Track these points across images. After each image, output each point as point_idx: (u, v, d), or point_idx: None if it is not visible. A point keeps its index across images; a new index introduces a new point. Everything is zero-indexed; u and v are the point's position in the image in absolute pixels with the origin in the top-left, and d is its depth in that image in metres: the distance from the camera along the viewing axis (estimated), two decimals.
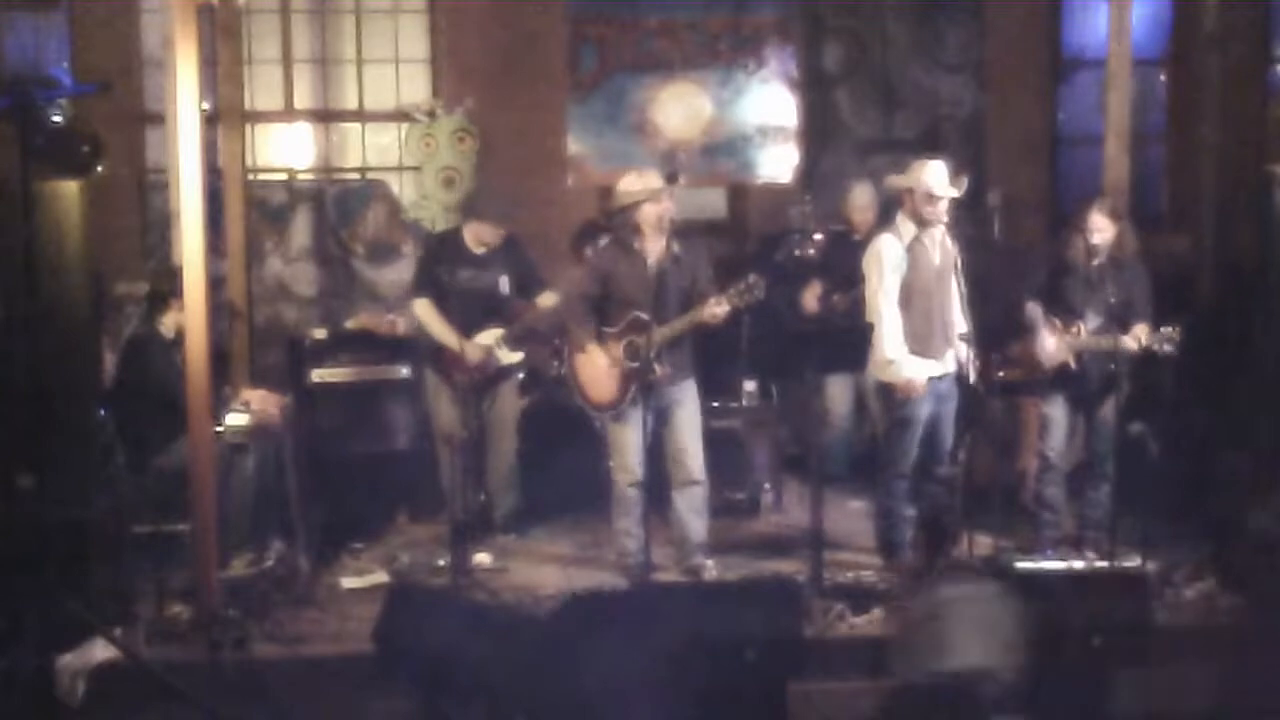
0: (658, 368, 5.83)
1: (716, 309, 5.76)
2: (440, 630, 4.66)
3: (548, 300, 6.72)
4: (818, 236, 7.79)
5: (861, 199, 7.52)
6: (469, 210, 6.76)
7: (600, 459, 6.57)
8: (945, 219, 5.90)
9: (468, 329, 6.56)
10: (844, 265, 7.12)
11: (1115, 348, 5.94)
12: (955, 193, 5.91)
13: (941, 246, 5.99)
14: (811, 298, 7.41)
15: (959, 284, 5.91)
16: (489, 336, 6.61)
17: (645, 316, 5.84)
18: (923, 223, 5.92)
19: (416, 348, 7.14)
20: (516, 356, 6.75)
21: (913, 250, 5.95)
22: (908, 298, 5.94)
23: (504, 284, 6.64)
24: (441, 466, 6.68)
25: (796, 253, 7.76)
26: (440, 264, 6.59)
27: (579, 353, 6.09)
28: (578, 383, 6.12)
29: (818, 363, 5.93)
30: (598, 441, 6.58)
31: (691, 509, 6.07)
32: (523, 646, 4.64)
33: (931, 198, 5.86)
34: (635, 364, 5.88)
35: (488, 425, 6.74)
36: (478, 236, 6.61)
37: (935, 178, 5.88)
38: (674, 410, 6.01)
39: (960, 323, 5.96)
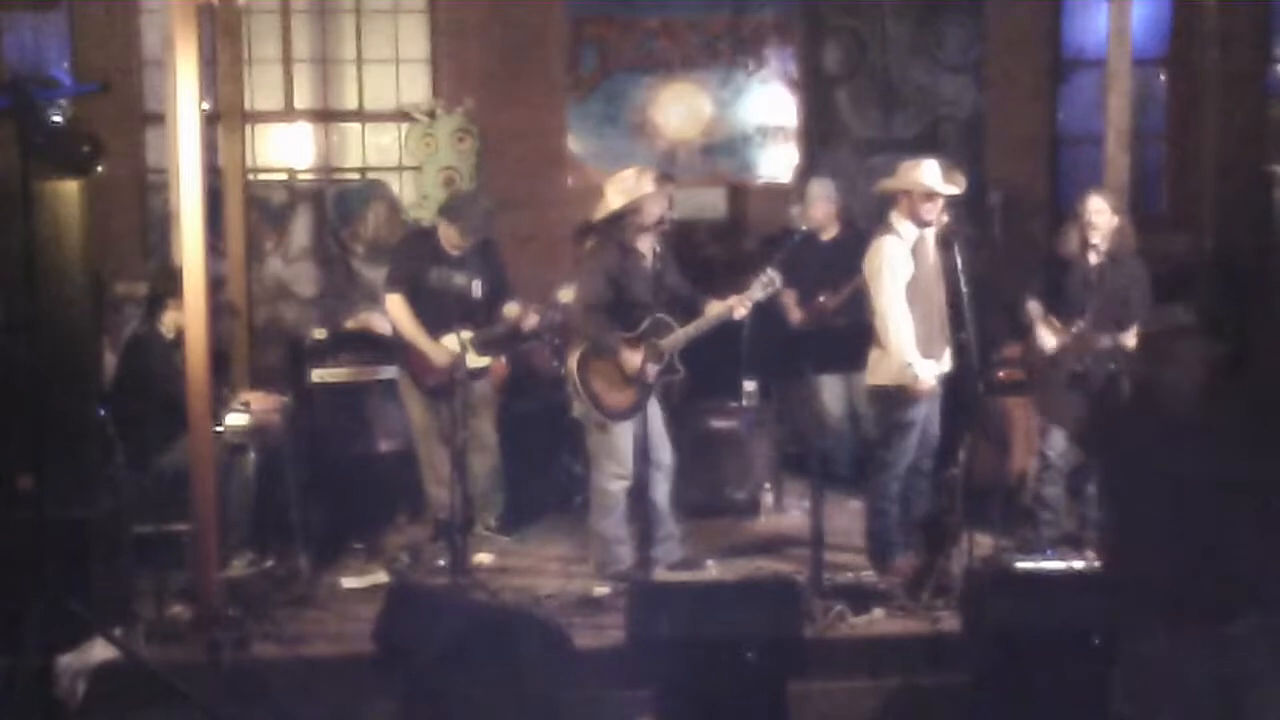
0: (680, 368, 5.84)
1: (742, 305, 5.77)
2: (440, 630, 4.66)
3: (511, 310, 6.59)
4: (784, 241, 7.63)
5: (815, 193, 7.37)
6: (444, 212, 6.69)
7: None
8: (944, 217, 5.88)
9: (436, 329, 6.45)
10: (816, 265, 7.10)
11: (1115, 345, 5.94)
12: (956, 190, 5.88)
13: (934, 246, 5.96)
14: (792, 305, 7.22)
15: (960, 283, 5.90)
16: (456, 339, 6.48)
17: (666, 318, 5.84)
18: (922, 223, 5.89)
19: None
20: (484, 361, 6.61)
21: (916, 251, 5.93)
22: (912, 299, 5.89)
23: (476, 287, 6.50)
24: (420, 467, 6.70)
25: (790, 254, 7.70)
26: (413, 261, 6.56)
27: (598, 360, 5.89)
28: (591, 391, 5.89)
29: (817, 362, 5.93)
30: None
31: (670, 504, 6.06)
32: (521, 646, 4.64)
33: (931, 197, 5.82)
34: (657, 366, 5.85)
35: (464, 428, 6.63)
36: (451, 238, 6.56)
37: (933, 177, 5.85)
38: (651, 411, 5.94)
39: (960, 322, 5.95)
